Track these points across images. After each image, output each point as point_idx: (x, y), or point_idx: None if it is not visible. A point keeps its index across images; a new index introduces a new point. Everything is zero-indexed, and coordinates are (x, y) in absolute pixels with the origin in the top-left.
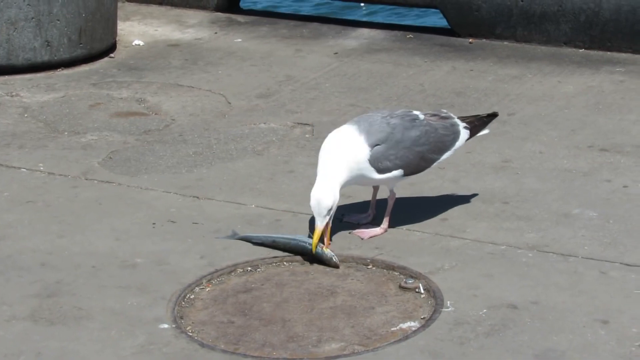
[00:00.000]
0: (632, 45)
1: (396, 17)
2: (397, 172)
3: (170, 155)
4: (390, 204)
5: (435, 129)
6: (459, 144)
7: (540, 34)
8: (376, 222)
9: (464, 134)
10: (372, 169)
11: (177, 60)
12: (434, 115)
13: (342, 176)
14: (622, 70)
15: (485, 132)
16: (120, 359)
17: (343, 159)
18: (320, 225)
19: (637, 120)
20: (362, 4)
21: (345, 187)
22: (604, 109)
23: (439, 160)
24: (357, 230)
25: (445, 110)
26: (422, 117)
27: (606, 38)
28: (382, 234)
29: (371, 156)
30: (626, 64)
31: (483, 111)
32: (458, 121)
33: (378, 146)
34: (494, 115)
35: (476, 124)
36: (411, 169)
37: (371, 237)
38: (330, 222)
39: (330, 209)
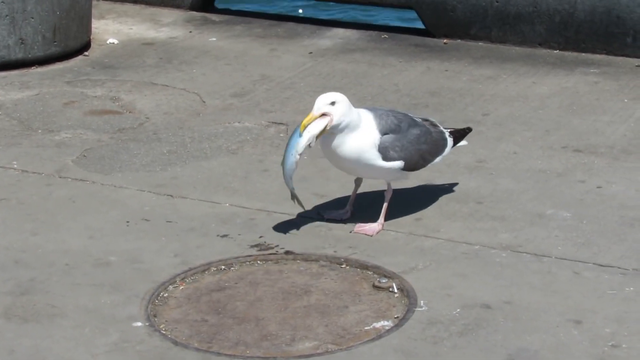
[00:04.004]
0: (607, 47)
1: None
2: (398, 163)
3: (145, 154)
4: (388, 197)
5: (431, 132)
6: (447, 150)
7: (515, 34)
8: (355, 219)
9: (450, 141)
10: (378, 156)
11: (152, 58)
12: (425, 120)
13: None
14: (596, 71)
15: (464, 143)
16: (94, 356)
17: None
18: (315, 112)
19: (611, 121)
20: (300, 10)
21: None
22: (578, 110)
23: (432, 162)
24: (359, 229)
25: (432, 119)
26: (419, 119)
27: (581, 39)
28: (380, 230)
29: (381, 143)
30: (600, 65)
31: (457, 111)
32: (444, 129)
33: (387, 135)
34: (469, 130)
35: (456, 135)
36: (411, 165)
37: (377, 232)
38: (321, 128)
39: (331, 103)
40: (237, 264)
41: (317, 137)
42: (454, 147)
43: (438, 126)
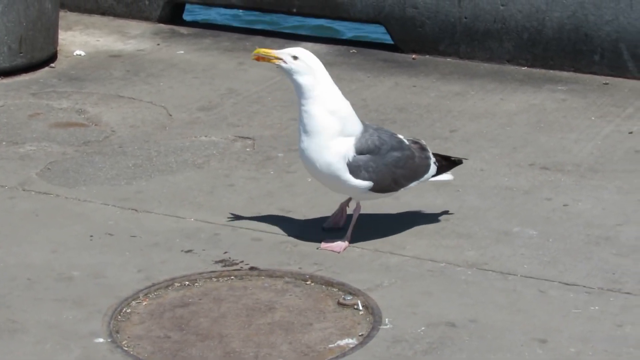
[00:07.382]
0: (574, 64)
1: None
2: (366, 184)
3: (110, 167)
4: (355, 215)
5: (414, 156)
6: (427, 176)
7: (483, 51)
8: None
9: (433, 169)
10: (346, 169)
11: (119, 71)
12: (415, 142)
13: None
14: (564, 88)
15: (449, 177)
16: None
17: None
18: (275, 52)
19: (578, 139)
20: (240, 11)
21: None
22: (545, 127)
23: (405, 187)
24: (325, 246)
25: (424, 142)
26: (406, 142)
27: (549, 56)
28: (347, 246)
29: (354, 161)
30: (568, 82)
31: (425, 127)
32: (431, 155)
33: (363, 155)
34: (459, 161)
35: (443, 163)
36: (381, 187)
37: (344, 249)
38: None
39: (294, 58)
40: (201, 280)
41: (262, 59)
42: (438, 176)
43: (427, 151)
